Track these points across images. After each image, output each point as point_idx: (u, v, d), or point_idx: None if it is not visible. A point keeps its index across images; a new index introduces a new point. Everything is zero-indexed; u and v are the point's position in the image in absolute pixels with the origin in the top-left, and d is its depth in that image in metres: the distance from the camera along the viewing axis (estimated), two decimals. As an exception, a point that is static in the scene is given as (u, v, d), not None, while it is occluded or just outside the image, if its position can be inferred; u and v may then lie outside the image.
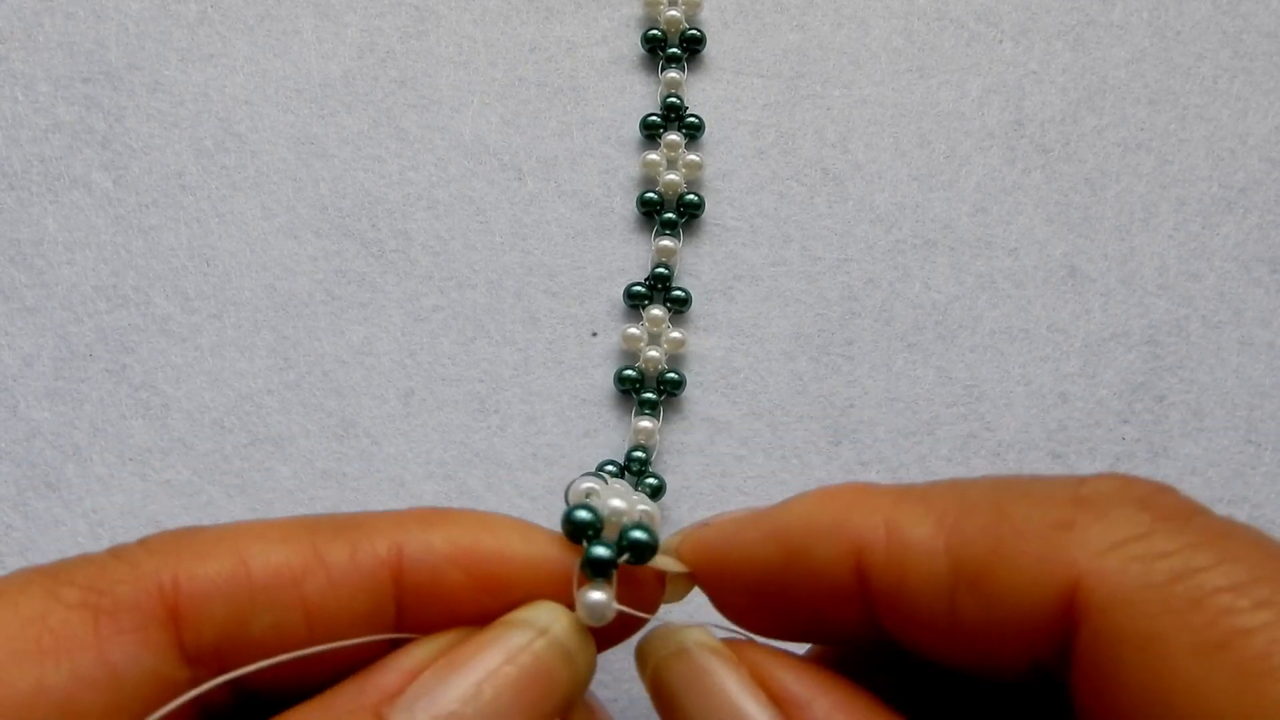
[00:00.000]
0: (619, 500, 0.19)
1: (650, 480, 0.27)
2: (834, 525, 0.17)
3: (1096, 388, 0.29)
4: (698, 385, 0.29)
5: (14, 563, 0.27)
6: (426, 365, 0.29)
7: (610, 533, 0.19)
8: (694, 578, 0.20)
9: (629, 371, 0.28)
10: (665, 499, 0.28)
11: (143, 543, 0.17)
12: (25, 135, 0.30)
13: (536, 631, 0.17)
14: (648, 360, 0.28)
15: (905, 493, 0.17)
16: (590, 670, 0.18)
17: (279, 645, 0.16)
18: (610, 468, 0.28)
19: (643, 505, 0.20)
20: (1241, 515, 0.28)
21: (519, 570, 0.18)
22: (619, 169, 0.30)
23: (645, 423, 0.28)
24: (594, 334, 0.29)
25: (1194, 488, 0.28)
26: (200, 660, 0.16)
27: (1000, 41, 0.31)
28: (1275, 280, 0.30)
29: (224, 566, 0.17)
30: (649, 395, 0.28)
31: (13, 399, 0.28)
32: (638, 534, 0.19)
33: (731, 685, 0.17)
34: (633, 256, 0.30)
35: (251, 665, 0.16)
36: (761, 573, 0.18)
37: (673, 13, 0.31)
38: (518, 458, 0.28)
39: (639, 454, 0.28)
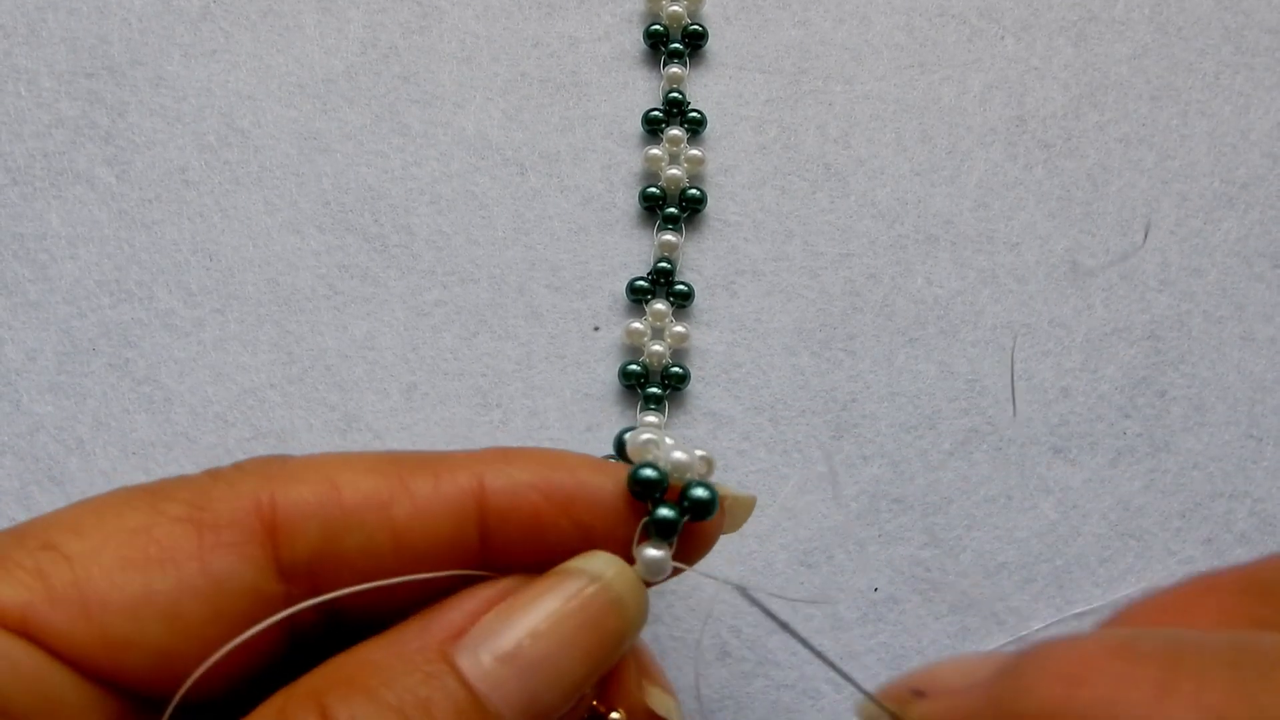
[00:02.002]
0: (680, 454, 0.20)
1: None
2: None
3: (1098, 382, 0.29)
4: (700, 380, 0.29)
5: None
6: (429, 360, 0.29)
7: (673, 484, 0.20)
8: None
9: (634, 366, 0.28)
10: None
11: (237, 466, 0.18)
12: (28, 130, 0.30)
13: (594, 580, 0.18)
14: (651, 355, 0.28)
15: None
16: (642, 619, 0.19)
17: (367, 565, 0.17)
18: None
19: (700, 452, 0.20)
20: (1243, 510, 0.28)
21: (592, 495, 0.19)
22: (621, 164, 0.30)
23: (651, 417, 0.28)
24: (596, 328, 0.29)
25: (1195, 482, 0.28)
26: (294, 577, 0.17)
27: (1002, 37, 0.31)
28: (1277, 275, 0.30)
29: (317, 490, 0.17)
30: (654, 389, 0.28)
31: (16, 393, 0.28)
32: (699, 492, 0.19)
33: None
34: (635, 251, 0.30)
35: (342, 590, 0.17)
36: None
37: (675, 8, 0.31)
38: (520, 452, 0.28)
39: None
